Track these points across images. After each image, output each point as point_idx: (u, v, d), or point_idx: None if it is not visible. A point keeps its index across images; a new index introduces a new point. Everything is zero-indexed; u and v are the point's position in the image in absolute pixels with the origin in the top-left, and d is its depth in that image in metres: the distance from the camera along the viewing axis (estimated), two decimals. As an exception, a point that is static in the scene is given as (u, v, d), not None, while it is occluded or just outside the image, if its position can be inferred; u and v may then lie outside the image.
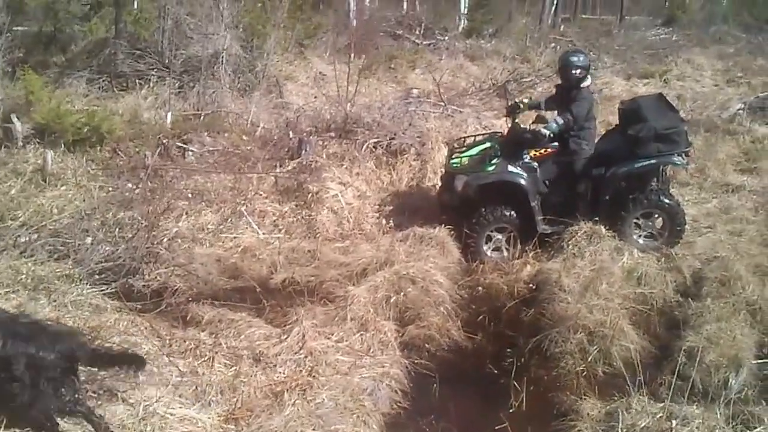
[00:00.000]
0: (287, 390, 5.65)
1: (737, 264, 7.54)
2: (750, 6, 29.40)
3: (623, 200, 8.27)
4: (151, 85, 11.00)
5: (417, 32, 19.18)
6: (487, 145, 8.72)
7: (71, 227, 7.60)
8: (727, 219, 9.19)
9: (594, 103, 8.65)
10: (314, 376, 5.88)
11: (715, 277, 7.40)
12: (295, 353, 6.15)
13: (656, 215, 8.38)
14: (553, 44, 19.84)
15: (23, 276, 6.56)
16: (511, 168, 8.38)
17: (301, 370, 5.96)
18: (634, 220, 8.31)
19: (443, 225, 8.52)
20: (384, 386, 6.21)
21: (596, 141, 8.54)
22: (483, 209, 8.38)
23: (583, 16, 29.68)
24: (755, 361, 6.25)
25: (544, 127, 8.18)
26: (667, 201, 8.27)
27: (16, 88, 9.67)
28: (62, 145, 8.88)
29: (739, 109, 13.58)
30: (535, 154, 8.46)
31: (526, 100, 9.08)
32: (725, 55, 19.30)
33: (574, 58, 8.43)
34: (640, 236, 8.35)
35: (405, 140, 10.21)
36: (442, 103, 12.06)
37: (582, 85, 8.38)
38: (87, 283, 6.73)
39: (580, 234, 8.06)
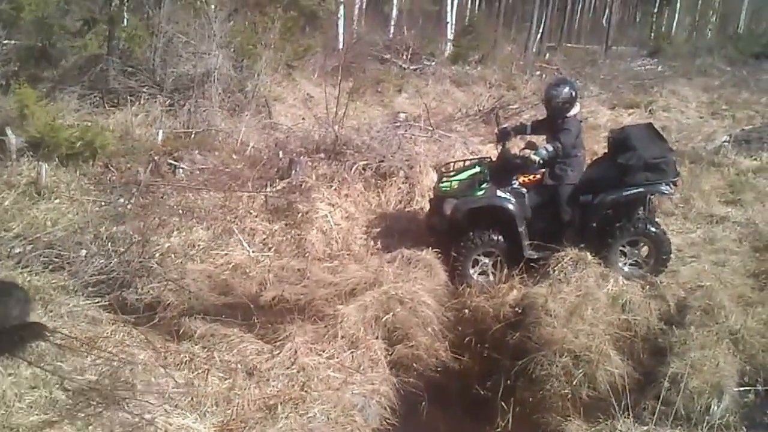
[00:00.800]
0: (280, 403, 5.82)
1: (721, 294, 7.78)
2: (735, 40, 30.00)
3: (610, 227, 8.45)
4: (142, 102, 11.16)
5: (404, 57, 19.50)
6: (477, 169, 8.90)
7: (65, 240, 7.76)
8: (711, 249, 9.35)
9: (582, 131, 8.81)
10: (306, 391, 6.06)
11: (698, 306, 7.63)
12: (288, 368, 6.33)
13: (642, 243, 8.53)
14: (538, 72, 20.24)
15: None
16: (500, 193, 8.56)
17: (293, 385, 6.14)
18: (620, 248, 8.46)
19: (431, 248, 8.68)
20: (374, 403, 6.42)
21: (585, 168, 8.74)
22: (471, 233, 8.56)
23: (569, 44, 30.18)
24: (737, 389, 6.50)
25: (534, 153, 8.36)
26: (653, 229, 8.43)
27: (9, 101, 9.82)
28: (56, 159, 9.01)
29: (724, 142, 13.85)
30: (523, 180, 8.66)
31: (507, 126, 9.29)
32: (710, 87, 19.68)
33: (554, 92, 8.59)
34: (625, 264, 8.51)
35: (394, 163, 10.42)
36: (431, 128, 12.29)
37: (568, 114, 8.54)
38: (82, 295, 6.92)
39: (567, 260, 8.25)
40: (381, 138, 11.04)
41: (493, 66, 20.44)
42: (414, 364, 7.26)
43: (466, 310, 8.32)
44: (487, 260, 8.69)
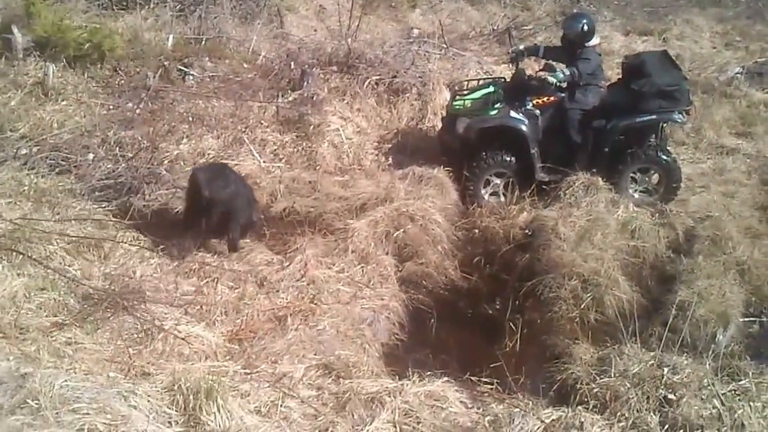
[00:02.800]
0: (290, 315, 5.80)
1: (729, 224, 7.76)
2: (750, -29, 29.23)
3: (621, 154, 8.37)
4: (152, 6, 10.74)
5: (419, -28, 18.88)
6: (491, 89, 8.75)
7: (72, 143, 7.61)
8: (720, 180, 9.28)
9: (601, 63, 8.72)
10: (316, 304, 6.04)
11: (707, 236, 7.60)
12: (297, 280, 6.30)
13: (653, 171, 8.48)
14: (553, -6, 19.68)
15: (26, 188, 6.62)
16: (513, 113, 8.43)
17: (303, 297, 6.11)
18: (631, 174, 8.41)
19: (442, 166, 8.58)
20: (383, 318, 6.41)
21: (601, 96, 8.60)
22: (483, 153, 8.44)
23: (584, -33, 29.40)
24: (742, 319, 6.52)
25: (551, 75, 8.25)
26: (664, 157, 8.36)
27: (15, -1, 9.49)
28: (63, 60, 8.70)
29: (737, 73, 13.55)
30: (537, 102, 8.51)
31: (521, 47, 9.10)
32: (724, 18, 19.12)
33: (571, 23, 8.63)
34: (636, 190, 8.47)
35: (407, 79, 10.14)
36: (444, 45, 11.99)
37: (587, 44, 8.43)
38: (89, 199, 6.84)
39: (578, 184, 8.18)
40: (394, 53, 10.75)
41: (508, -15, 19.85)
42: (423, 281, 7.23)
43: (476, 230, 8.26)
44: (498, 181, 8.59)
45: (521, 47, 9.05)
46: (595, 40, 8.57)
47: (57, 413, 3.67)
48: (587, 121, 8.42)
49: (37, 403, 3.69)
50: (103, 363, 4.75)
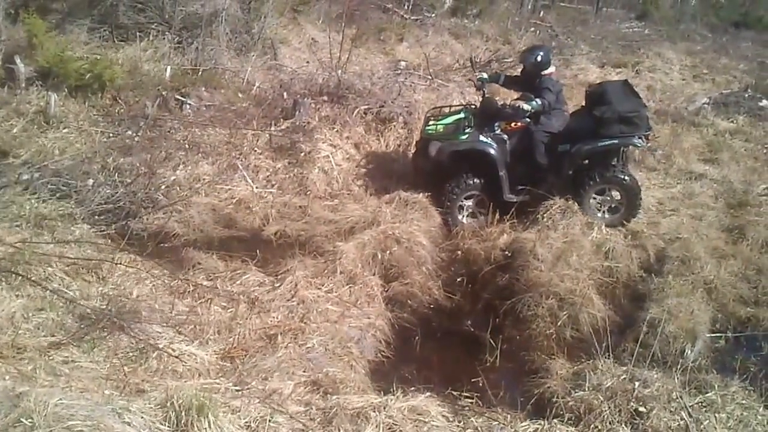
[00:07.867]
0: (280, 333, 5.75)
1: (697, 246, 7.87)
2: (717, 8, 29.62)
3: (585, 175, 8.41)
4: (151, 38, 10.73)
5: (405, 7, 18.95)
6: (462, 115, 8.81)
7: (72, 169, 7.56)
8: (689, 204, 9.35)
9: (561, 89, 8.80)
10: (306, 323, 5.98)
11: (676, 257, 7.70)
12: (288, 300, 6.25)
13: (615, 191, 8.50)
14: (533, 28, 19.82)
15: (27, 212, 6.58)
16: (482, 138, 8.46)
17: (293, 316, 6.05)
18: (594, 194, 8.44)
19: (426, 191, 8.58)
20: (370, 336, 6.35)
21: (565, 121, 8.67)
22: (452, 181, 8.48)
23: (562, 3, 29.65)
24: (709, 335, 6.57)
25: (526, 103, 8.29)
26: (625, 178, 8.39)
27: (18, 31, 9.44)
28: (65, 90, 8.71)
29: (704, 104, 13.77)
30: (505, 127, 8.57)
31: (485, 75, 9.08)
32: (693, 51, 19.43)
33: (528, 55, 8.72)
34: (599, 209, 8.49)
35: (394, 109, 10.22)
36: (429, 77, 12.06)
37: (543, 73, 8.51)
38: (88, 223, 6.81)
39: (554, 208, 8.22)
40: (382, 84, 10.83)
41: (490, 21, 19.93)
42: (408, 301, 7.17)
43: (459, 252, 8.23)
44: (470, 203, 8.62)
45: (484, 75, 9.05)
46: (550, 69, 8.65)
47: (50, 431, 3.60)
48: (553, 145, 8.47)
49: (30, 422, 3.60)
50: (99, 381, 4.68)
